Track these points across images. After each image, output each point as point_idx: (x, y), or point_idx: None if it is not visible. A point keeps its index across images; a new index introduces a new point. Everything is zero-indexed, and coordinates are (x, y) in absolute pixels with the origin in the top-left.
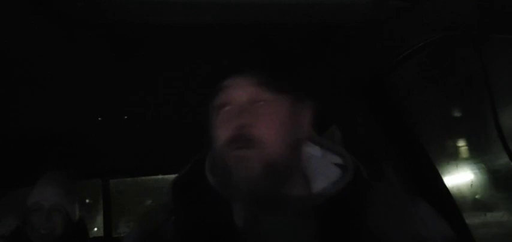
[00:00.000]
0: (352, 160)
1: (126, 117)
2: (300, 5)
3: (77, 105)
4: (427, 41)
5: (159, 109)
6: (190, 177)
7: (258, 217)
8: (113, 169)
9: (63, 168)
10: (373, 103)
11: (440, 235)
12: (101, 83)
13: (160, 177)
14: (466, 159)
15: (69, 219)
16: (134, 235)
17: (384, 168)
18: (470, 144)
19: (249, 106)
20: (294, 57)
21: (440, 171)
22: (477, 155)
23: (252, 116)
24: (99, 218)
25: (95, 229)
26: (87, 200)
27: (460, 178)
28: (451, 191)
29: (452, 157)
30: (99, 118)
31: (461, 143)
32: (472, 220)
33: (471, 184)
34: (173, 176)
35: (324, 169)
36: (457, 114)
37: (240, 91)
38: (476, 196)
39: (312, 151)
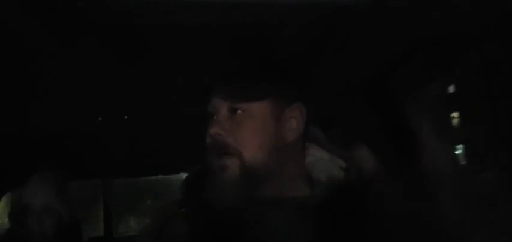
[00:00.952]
0: (354, 161)
1: (126, 117)
2: (299, 5)
3: (77, 105)
4: (427, 41)
5: (159, 109)
6: (199, 174)
7: (258, 217)
8: (113, 169)
9: (56, 167)
10: (373, 103)
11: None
12: (101, 83)
13: (160, 176)
14: (466, 159)
15: (62, 219)
16: (147, 229)
17: (384, 167)
18: (470, 144)
19: (225, 116)
20: (290, 58)
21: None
22: (477, 155)
23: (227, 125)
24: (100, 218)
25: (95, 229)
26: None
27: (460, 177)
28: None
29: (453, 157)
30: (99, 118)
31: (462, 143)
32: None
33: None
34: (173, 176)
35: (326, 171)
36: (457, 113)
37: (217, 101)
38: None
39: (319, 154)
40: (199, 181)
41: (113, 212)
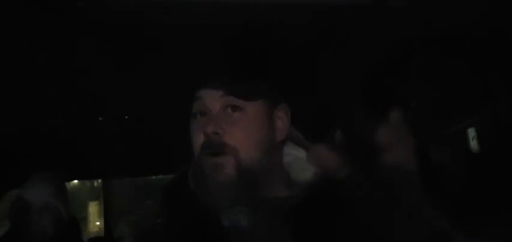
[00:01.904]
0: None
1: (126, 117)
2: (299, 5)
3: (77, 105)
4: (427, 41)
5: (159, 109)
6: (178, 183)
7: (239, 220)
8: (113, 169)
9: (56, 167)
10: (373, 103)
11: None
12: (101, 83)
13: (160, 176)
14: (466, 158)
15: (61, 218)
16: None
17: (385, 167)
18: (470, 144)
19: (222, 114)
20: (290, 58)
21: (440, 171)
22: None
23: (224, 123)
24: (100, 218)
25: (95, 229)
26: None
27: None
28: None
29: (453, 157)
30: (100, 118)
31: (462, 143)
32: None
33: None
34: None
35: (305, 170)
36: (457, 113)
37: (210, 100)
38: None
39: (296, 152)
40: (178, 189)
41: (113, 212)
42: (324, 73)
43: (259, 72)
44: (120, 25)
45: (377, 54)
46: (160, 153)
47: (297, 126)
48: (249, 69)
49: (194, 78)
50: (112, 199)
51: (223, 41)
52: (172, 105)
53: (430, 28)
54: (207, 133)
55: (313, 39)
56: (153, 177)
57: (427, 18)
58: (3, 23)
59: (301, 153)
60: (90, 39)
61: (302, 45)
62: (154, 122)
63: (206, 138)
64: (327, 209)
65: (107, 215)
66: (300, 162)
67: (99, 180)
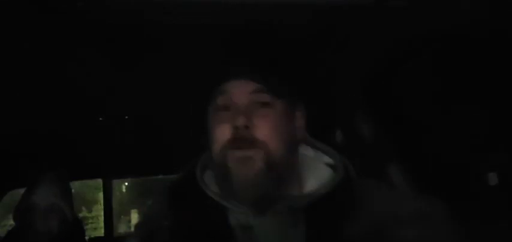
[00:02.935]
0: (341, 160)
1: (126, 117)
2: (300, 5)
3: (77, 105)
4: (427, 41)
5: (159, 109)
6: (184, 183)
7: (253, 216)
8: (113, 169)
9: (59, 168)
10: (373, 103)
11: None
12: (101, 83)
13: (160, 176)
14: (466, 158)
15: (65, 218)
16: None
17: (385, 167)
18: (470, 143)
19: (249, 108)
20: (293, 58)
21: (440, 171)
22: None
23: (252, 117)
24: (100, 218)
25: (95, 229)
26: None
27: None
28: (452, 191)
29: (453, 157)
30: (100, 118)
31: (462, 142)
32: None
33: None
34: (173, 176)
35: (315, 169)
36: (457, 113)
37: (239, 94)
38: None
39: (305, 151)
40: (184, 188)
41: (113, 212)
42: (323, 73)
43: (285, 71)
44: (120, 25)
45: (377, 54)
46: (160, 153)
47: None
48: (276, 68)
49: (194, 77)
50: (112, 199)
51: (223, 41)
52: (173, 105)
53: (430, 28)
54: (237, 127)
55: (313, 39)
56: (153, 177)
57: (427, 18)
58: (3, 23)
59: (309, 152)
60: (90, 39)
61: (302, 45)
62: (154, 122)
63: (235, 132)
64: (338, 209)
65: (107, 215)
66: (310, 161)
67: (100, 180)
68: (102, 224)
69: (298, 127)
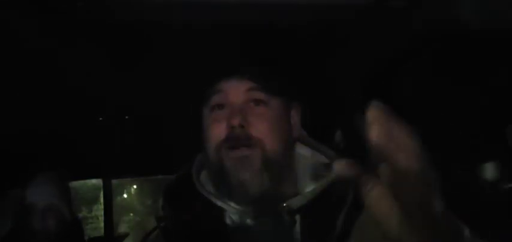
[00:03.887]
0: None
1: (126, 117)
2: (300, 5)
3: (77, 105)
4: (427, 41)
5: (159, 109)
6: (181, 183)
7: (250, 216)
8: (113, 169)
9: (57, 168)
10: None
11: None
12: (101, 83)
13: (160, 176)
14: (466, 158)
15: (64, 218)
16: None
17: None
18: (470, 143)
19: (245, 107)
20: (291, 57)
21: (440, 170)
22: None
23: (249, 116)
24: (100, 218)
25: (95, 229)
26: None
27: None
28: (452, 191)
29: (453, 156)
30: (100, 118)
31: (462, 142)
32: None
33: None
34: (173, 176)
35: (312, 169)
36: (457, 112)
37: (234, 93)
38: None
39: (302, 151)
40: (180, 189)
41: (113, 212)
42: (324, 73)
43: (280, 69)
44: (120, 25)
45: (377, 54)
46: (160, 153)
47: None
48: (272, 66)
49: (195, 77)
50: (112, 199)
51: (223, 41)
52: (173, 105)
53: (430, 28)
54: (233, 125)
55: (313, 39)
56: (153, 177)
57: (427, 18)
58: (3, 23)
59: (306, 152)
60: (90, 39)
61: (302, 44)
62: (154, 122)
63: (230, 131)
64: (334, 209)
65: (107, 215)
66: (306, 161)
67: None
68: (102, 224)
69: (294, 125)
